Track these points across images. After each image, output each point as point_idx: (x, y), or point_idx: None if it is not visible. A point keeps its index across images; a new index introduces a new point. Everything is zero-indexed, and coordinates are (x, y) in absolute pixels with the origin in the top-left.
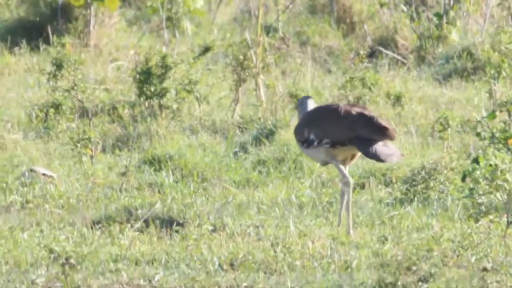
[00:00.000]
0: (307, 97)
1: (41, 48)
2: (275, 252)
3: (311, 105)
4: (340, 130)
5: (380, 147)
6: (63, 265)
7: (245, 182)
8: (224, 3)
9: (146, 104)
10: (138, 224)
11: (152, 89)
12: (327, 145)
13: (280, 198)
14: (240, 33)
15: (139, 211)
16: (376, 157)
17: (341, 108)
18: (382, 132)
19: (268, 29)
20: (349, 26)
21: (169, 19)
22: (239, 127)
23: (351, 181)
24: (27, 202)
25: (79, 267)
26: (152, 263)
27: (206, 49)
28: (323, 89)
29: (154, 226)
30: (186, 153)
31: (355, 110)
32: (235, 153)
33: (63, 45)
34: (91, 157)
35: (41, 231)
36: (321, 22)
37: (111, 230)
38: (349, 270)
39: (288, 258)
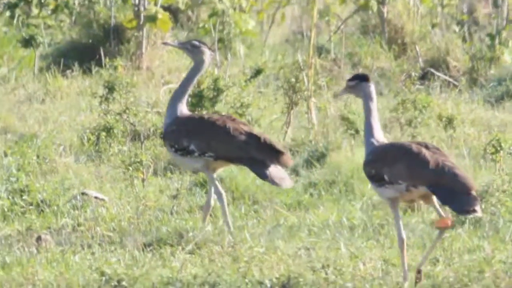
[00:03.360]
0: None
1: (93, 71)
2: (326, 274)
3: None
4: (230, 148)
5: (273, 169)
6: (114, 287)
7: (296, 204)
8: (276, 24)
9: None
10: (189, 247)
11: (204, 112)
12: (210, 158)
13: (331, 221)
14: (292, 54)
15: (190, 234)
16: (272, 180)
17: (229, 126)
18: (278, 157)
19: (320, 50)
20: (401, 47)
21: (221, 40)
22: (290, 149)
23: (223, 192)
24: (79, 225)
25: None
26: (204, 285)
27: (258, 72)
28: None
29: (205, 249)
30: (237, 175)
31: (243, 129)
32: None
33: (115, 68)
34: (143, 180)
35: (93, 253)
36: (372, 43)
37: (162, 252)
38: None
39: (339, 280)
